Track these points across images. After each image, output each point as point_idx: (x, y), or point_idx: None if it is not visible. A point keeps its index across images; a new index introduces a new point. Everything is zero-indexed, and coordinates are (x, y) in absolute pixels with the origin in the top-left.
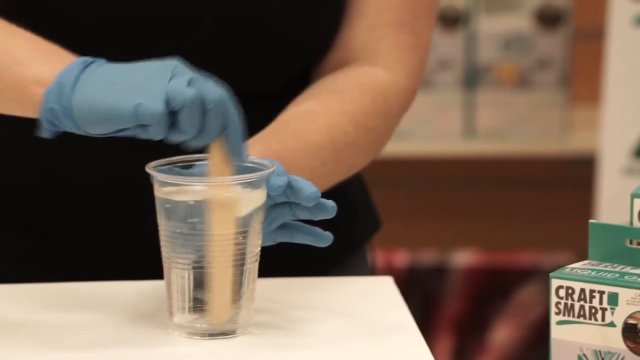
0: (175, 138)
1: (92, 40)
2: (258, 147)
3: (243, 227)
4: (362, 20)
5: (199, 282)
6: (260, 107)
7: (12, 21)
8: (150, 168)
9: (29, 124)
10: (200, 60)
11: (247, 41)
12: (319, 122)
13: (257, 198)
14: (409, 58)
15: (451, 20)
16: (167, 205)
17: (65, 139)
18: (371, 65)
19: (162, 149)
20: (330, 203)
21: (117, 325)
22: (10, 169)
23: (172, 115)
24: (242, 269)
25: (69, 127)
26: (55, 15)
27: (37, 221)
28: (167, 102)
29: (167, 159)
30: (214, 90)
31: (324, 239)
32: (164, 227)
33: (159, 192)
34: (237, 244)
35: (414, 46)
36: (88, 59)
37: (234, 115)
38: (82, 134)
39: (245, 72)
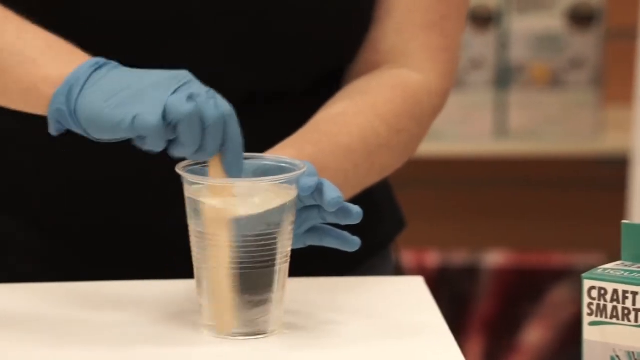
0: (176, 152)
1: (105, 40)
2: (292, 151)
3: (274, 228)
4: (392, 21)
5: (229, 282)
6: (289, 106)
7: (27, 17)
8: (180, 168)
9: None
10: (226, 61)
11: (275, 41)
12: (351, 125)
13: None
14: (440, 59)
15: (483, 20)
16: (197, 206)
17: (83, 138)
18: (402, 66)
19: None
20: (356, 209)
21: (148, 324)
22: (27, 169)
23: (171, 130)
24: (273, 270)
25: (77, 130)
26: (71, 15)
27: (56, 220)
28: (165, 115)
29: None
30: (214, 107)
31: (352, 243)
32: (194, 227)
33: (189, 192)
34: (266, 245)
35: (444, 47)
36: (99, 60)
37: (234, 133)
38: (89, 137)
39: (274, 72)
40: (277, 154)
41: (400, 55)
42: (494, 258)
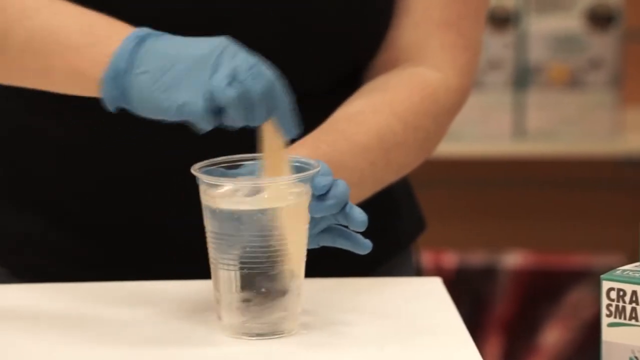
0: (227, 124)
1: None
2: (307, 149)
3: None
4: (409, 20)
5: (246, 283)
6: (309, 106)
7: None
8: (195, 169)
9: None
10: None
11: (300, 42)
12: (368, 123)
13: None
14: (458, 57)
15: (501, 20)
16: (211, 206)
17: (111, 137)
18: (420, 65)
19: (209, 150)
20: (361, 217)
21: (167, 323)
22: (55, 168)
23: (218, 110)
24: (289, 270)
25: (132, 111)
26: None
27: (82, 220)
28: (210, 101)
29: (210, 160)
30: (259, 80)
31: (363, 246)
32: (210, 228)
33: (203, 194)
34: (281, 243)
35: (462, 45)
36: (139, 33)
37: (283, 99)
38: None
39: (294, 73)
40: (292, 153)
41: (418, 54)
42: (513, 259)
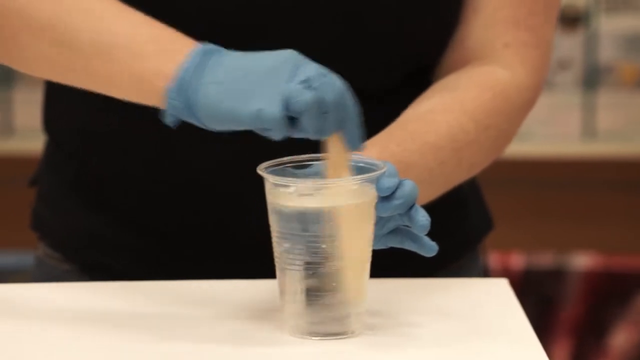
0: (296, 135)
1: (199, 37)
2: (376, 149)
3: None
4: (479, 19)
5: (311, 282)
6: (377, 106)
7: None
8: (261, 169)
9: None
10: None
11: (366, 41)
12: (439, 122)
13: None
14: (528, 55)
15: (571, 20)
16: (277, 206)
17: (178, 139)
18: (491, 63)
19: (274, 152)
20: (423, 221)
21: (232, 323)
22: (122, 169)
23: (292, 118)
24: None
25: (194, 122)
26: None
27: (150, 220)
28: (287, 107)
29: (277, 160)
30: (332, 88)
31: (430, 249)
32: (276, 227)
33: (269, 193)
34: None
35: (532, 43)
36: (206, 48)
37: (352, 110)
38: (206, 128)
39: (365, 72)
40: (361, 152)
41: (488, 52)
42: (581, 261)
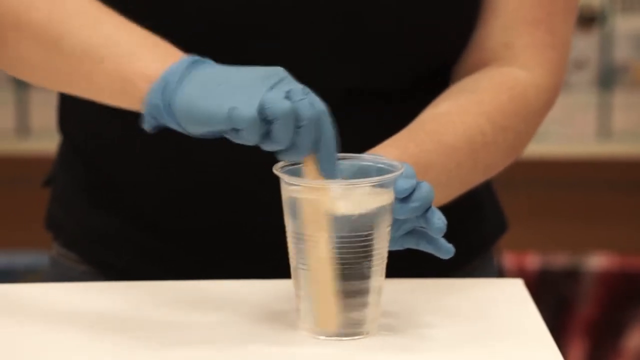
0: (268, 147)
1: (204, 41)
2: (395, 150)
3: (369, 229)
4: (498, 20)
5: None
6: (391, 107)
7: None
8: (277, 169)
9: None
10: (327, 60)
11: (372, 40)
12: (456, 123)
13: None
14: (547, 56)
15: (587, 20)
16: (294, 206)
17: (198, 144)
18: (509, 64)
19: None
20: (439, 223)
21: (250, 323)
22: (143, 173)
23: (266, 124)
24: (370, 271)
25: (171, 125)
26: (171, 17)
27: (170, 222)
28: (262, 110)
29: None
30: (310, 106)
31: (446, 251)
32: (291, 227)
33: (286, 192)
34: (362, 246)
35: (551, 44)
36: (195, 57)
37: (328, 133)
38: (183, 132)
39: (373, 71)
40: (381, 153)
41: (507, 53)
42: (597, 261)
